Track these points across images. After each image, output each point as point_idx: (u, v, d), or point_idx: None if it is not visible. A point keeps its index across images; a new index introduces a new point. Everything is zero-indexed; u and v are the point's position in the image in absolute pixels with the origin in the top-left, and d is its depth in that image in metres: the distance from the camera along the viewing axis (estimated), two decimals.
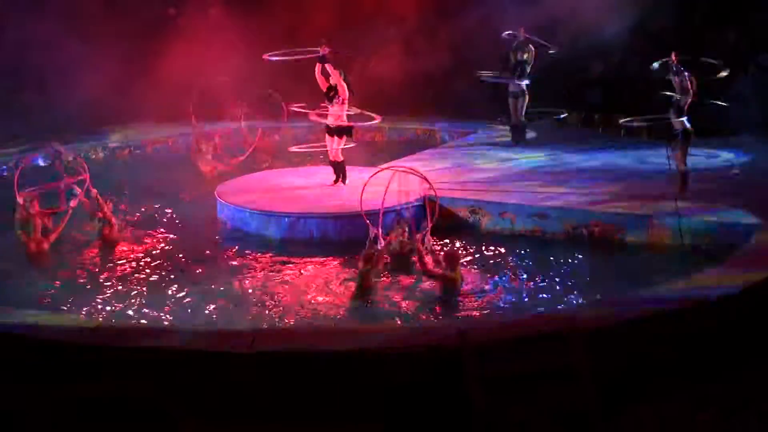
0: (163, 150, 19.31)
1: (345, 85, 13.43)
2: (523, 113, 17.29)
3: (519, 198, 12.69)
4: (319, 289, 10.41)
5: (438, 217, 11.68)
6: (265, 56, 13.61)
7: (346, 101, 13.49)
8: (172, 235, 12.54)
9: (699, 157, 14.61)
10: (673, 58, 13.37)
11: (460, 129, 19.87)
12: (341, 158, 13.90)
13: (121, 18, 19.67)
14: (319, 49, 13.40)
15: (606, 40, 17.15)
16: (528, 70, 17.09)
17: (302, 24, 19.60)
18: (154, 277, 10.79)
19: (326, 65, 13.36)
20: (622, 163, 15.44)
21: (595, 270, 10.78)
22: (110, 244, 11.89)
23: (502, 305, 9.87)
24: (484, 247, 11.71)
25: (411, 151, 17.41)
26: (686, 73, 13.18)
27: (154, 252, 11.82)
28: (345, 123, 13.65)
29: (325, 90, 13.58)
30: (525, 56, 17.02)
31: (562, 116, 17.78)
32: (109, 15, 19.54)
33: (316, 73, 13.46)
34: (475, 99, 19.04)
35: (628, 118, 14.88)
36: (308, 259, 11.42)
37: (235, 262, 11.35)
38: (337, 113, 13.51)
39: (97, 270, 11.11)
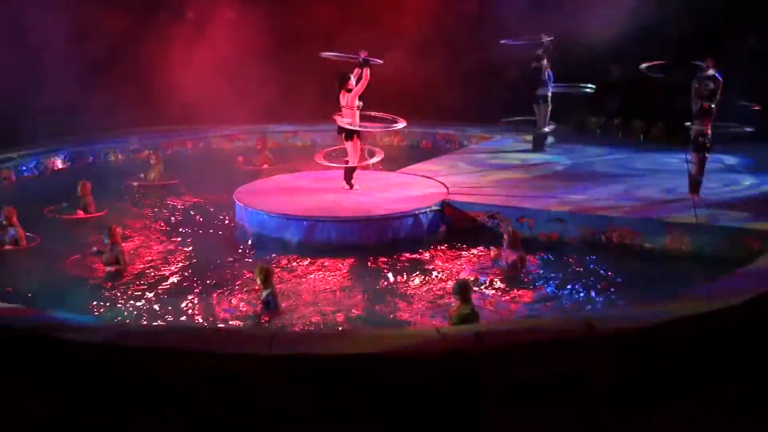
0: (182, 153, 19.56)
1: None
2: (546, 121, 17.35)
3: (537, 203, 12.76)
4: (337, 292, 10.52)
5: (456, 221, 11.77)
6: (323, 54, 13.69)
7: (344, 106, 13.64)
8: (191, 239, 12.69)
9: (715, 164, 14.64)
10: (709, 62, 13.12)
11: (479, 133, 19.98)
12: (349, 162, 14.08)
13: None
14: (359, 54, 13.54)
15: (624, 44, 17.14)
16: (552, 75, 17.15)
17: (315, 24, 19.88)
18: (174, 280, 10.92)
19: (365, 69, 13.48)
20: (642, 169, 15.48)
21: (612, 276, 10.82)
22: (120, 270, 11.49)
23: (519, 309, 9.93)
24: (497, 252, 11.75)
25: (430, 155, 17.52)
26: (720, 79, 13.00)
27: (173, 254, 11.96)
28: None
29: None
30: (547, 61, 17.04)
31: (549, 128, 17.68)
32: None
33: (359, 77, 13.56)
34: (494, 103, 19.08)
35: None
36: (326, 262, 11.53)
37: (253, 265, 11.44)
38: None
39: (113, 273, 11.24)
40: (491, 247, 11.46)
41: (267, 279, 9.84)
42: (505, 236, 11.20)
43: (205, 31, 19.38)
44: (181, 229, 13.28)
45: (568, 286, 10.51)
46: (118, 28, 19.11)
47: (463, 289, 8.97)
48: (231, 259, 11.76)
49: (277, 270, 11.07)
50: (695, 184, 12.92)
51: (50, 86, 17.86)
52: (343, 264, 11.51)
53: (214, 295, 10.34)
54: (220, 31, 19.31)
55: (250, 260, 11.67)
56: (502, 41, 16.93)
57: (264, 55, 19.67)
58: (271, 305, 9.72)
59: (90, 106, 18.34)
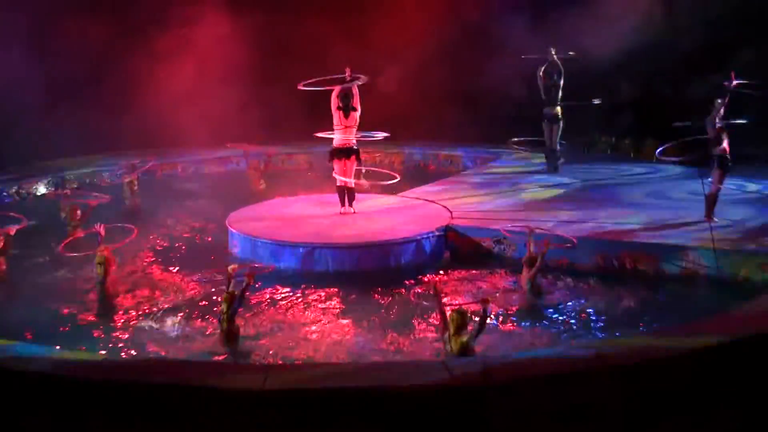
0: (173, 176, 19.59)
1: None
2: (558, 140, 17.35)
3: (545, 226, 12.71)
4: (336, 322, 10.44)
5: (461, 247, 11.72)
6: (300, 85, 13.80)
7: (336, 125, 13.71)
8: (181, 266, 12.62)
9: (736, 188, 14.62)
10: (732, 78, 13.04)
11: (483, 154, 19.98)
12: (337, 184, 14.09)
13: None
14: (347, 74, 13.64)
15: (635, 61, 17.21)
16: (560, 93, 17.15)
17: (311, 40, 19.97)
18: (164, 310, 10.84)
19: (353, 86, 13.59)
20: (656, 190, 15.45)
21: (625, 303, 10.75)
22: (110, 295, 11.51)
23: (527, 339, 9.85)
24: (509, 279, 11.72)
25: (431, 177, 17.51)
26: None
27: (162, 283, 11.90)
28: (335, 146, 13.89)
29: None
30: (556, 77, 17.03)
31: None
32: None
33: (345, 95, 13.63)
34: (499, 123, 19.11)
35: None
36: (325, 291, 11.46)
37: (246, 294, 11.35)
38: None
39: (98, 303, 11.20)
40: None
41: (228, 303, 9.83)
42: (528, 252, 11.15)
43: (188, 50, 19.47)
44: (167, 256, 13.27)
45: (579, 315, 10.44)
46: (95, 46, 19.22)
47: (460, 319, 8.92)
48: (218, 289, 11.71)
49: (272, 299, 11.00)
50: (712, 205, 12.86)
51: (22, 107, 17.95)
52: (341, 292, 11.42)
53: (196, 325, 10.29)
54: (205, 49, 19.42)
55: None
56: (523, 56, 16.96)
57: (253, 74, 19.80)
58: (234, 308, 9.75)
59: (66, 129, 18.39)
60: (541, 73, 17.00)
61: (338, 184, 14.05)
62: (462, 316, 8.92)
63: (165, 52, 19.07)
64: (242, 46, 19.55)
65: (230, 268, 10.44)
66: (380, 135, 14.01)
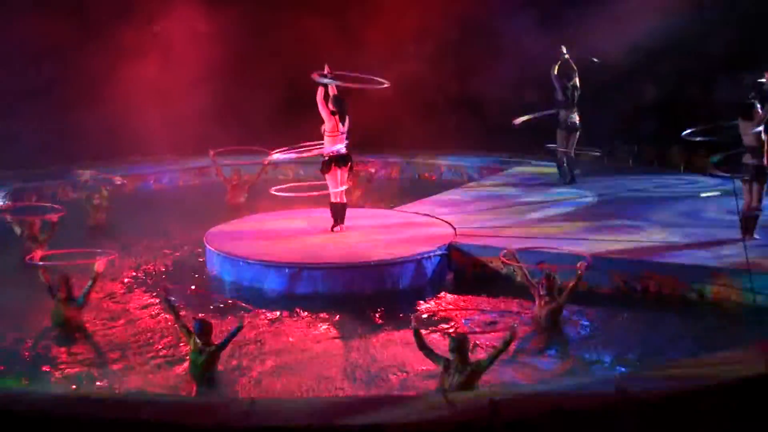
0: (146, 188, 19.64)
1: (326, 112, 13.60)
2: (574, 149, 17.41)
3: (560, 246, 12.72)
4: (328, 351, 10.45)
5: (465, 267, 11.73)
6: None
7: (331, 132, 13.68)
8: (151, 289, 12.62)
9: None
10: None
11: (490, 164, 20.04)
12: (332, 199, 14.07)
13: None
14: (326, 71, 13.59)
15: (660, 61, 17.32)
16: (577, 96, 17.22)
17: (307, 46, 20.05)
18: (134, 340, 10.82)
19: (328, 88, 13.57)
20: (682, 204, 15.50)
21: (648, 332, 10.76)
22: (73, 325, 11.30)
23: (540, 372, 9.87)
24: (519, 304, 11.73)
25: (432, 190, 17.55)
26: None
27: (132, 309, 11.89)
28: (328, 155, 13.83)
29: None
30: (575, 80, 17.09)
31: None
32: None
33: (318, 98, 13.60)
34: (507, 130, 19.16)
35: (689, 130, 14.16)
36: (313, 317, 11.47)
37: (227, 319, 11.37)
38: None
39: (58, 328, 11.17)
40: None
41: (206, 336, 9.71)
42: (542, 281, 11.12)
43: (158, 48, 19.58)
44: (136, 278, 13.29)
45: (597, 344, 10.45)
46: (59, 49, 19.31)
47: (460, 345, 8.93)
48: (197, 309, 11.73)
49: (255, 324, 11.01)
50: (750, 222, 12.83)
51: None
52: (331, 318, 11.43)
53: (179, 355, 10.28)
54: (177, 46, 19.52)
55: (220, 316, 11.59)
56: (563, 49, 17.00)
57: (231, 74, 19.90)
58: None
59: (29, 137, 18.46)
60: (555, 73, 17.06)
61: (334, 199, 14.03)
62: (462, 343, 8.94)
63: (131, 51, 19.18)
64: (218, 43, 19.66)
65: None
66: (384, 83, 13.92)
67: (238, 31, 20.56)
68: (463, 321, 11.28)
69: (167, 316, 10.89)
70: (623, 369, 9.80)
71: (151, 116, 19.11)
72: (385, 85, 13.65)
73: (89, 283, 11.28)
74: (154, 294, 12.24)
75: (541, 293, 10.98)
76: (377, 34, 19.86)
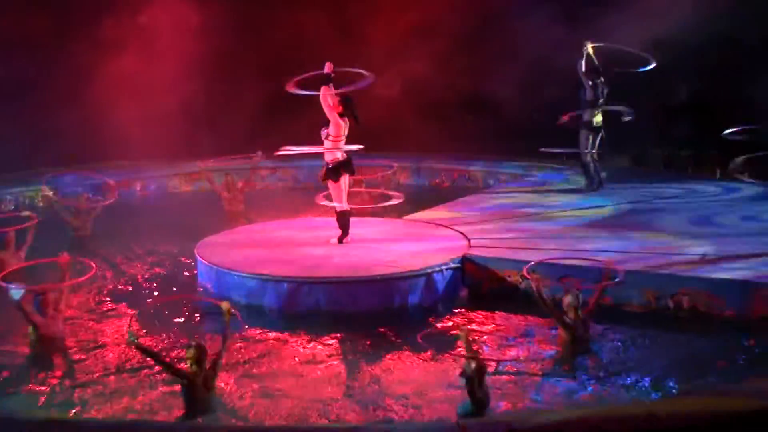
0: (131, 195, 19.67)
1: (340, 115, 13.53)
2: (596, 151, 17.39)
3: (584, 258, 12.67)
4: (329, 374, 10.43)
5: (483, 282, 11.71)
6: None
7: (338, 137, 13.63)
8: (136, 305, 12.59)
9: None
10: None
11: (508, 169, 20.03)
12: (342, 208, 13.99)
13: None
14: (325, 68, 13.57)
15: (693, 58, 17.30)
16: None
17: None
18: (116, 361, 10.81)
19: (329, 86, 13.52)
20: (718, 214, 15.47)
21: (682, 352, 10.72)
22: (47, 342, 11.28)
23: (563, 397, 9.84)
24: (540, 322, 11.71)
25: (443, 198, 17.55)
26: None
27: (114, 327, 11.88)
28: (335, 161, 13.77)
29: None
30: (599, 76, 17.09)
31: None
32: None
33: (321, 99, 13.56)
34: (526, 132, 19.17)
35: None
36: (314, 336, 11.45)
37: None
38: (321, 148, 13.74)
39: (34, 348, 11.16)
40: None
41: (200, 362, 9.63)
42: (565, 300, 11.10)
43: (144, 43, 19.64)
44: (120, 293, 13.28)
45: (627, 366, 10.41)
46: (33, 43, 19.39)
47: (474, 376, 8.89)
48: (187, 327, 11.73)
49: (250, 345, 10.99)
50: None
51: None
52: (334, 338, 11.41)
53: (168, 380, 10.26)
54: (166, 41, 19.58)
55: (213, 332, 11.55)
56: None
57: (220, 75, 19.97)
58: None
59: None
60: (583, 68, 17.05)
61: (345, 207, 13.97)
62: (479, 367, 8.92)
63: (112, 46, 19.23)
64: (206, 38, 19.71)
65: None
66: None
67: (227, 25, 20.66)
68: (484, 348, 11.24)
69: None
70: (655, 394, 9.78)
71: (134, 116, 19.11)
72: (368, 80, 13.54)
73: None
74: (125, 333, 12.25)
75: (564, 311, 10.97)
76: (380, 29, 19.91)
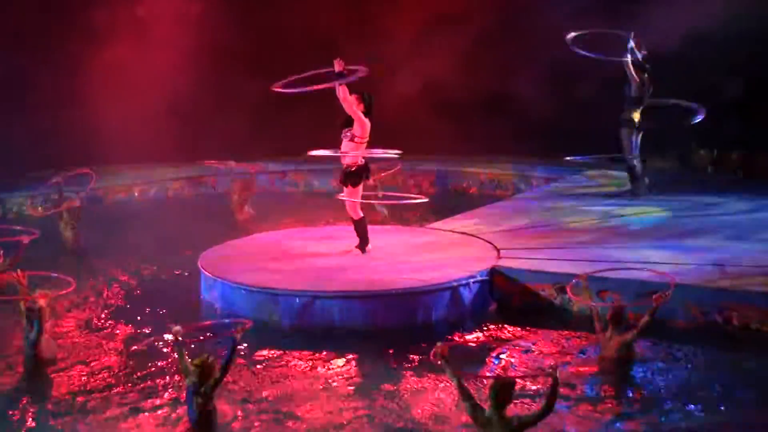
0: (127, 202, 19.75)
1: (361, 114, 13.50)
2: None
3: (623, 270, 12.66)
4: (344, 397, 10.42)
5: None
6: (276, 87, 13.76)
7: (364, 137, 13.60)
8: (136, 322, 12.67)
9: None
10: None
11: (541, 173, 20.01)
12: (359, 215, 14.03)
13: None
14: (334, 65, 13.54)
15: (743, 50, 17.23)
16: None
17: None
18: (116, 390, 10.82)
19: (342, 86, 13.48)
20: None
21: (732, 374, 10.68)
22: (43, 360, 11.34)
23: (602, 426, 9.82)
24: (578, 342, 11.70)
25: (470, 204, 17.53)
26: None
27: (110, 346, 11.93)
28: (355, 165, 13.76)
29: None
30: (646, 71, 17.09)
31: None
32: None
33: (339, 98, 13.55)
34: (562, 131, 19.14)
35: None
36: (328, 355, 11.47)
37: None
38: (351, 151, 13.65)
39: (26, 372, 11.19)
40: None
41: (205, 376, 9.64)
42: (610, 312, 11.05)
43: (140, 34, 19.73)
44: (118, 309, 13.32)
45: (672, 389, 10.38)
46: (20, 36, 19.52)
47: (500, 394, 8.80)
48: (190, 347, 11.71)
49: (257, 367, 11.01)
50: None
51: None
52: (351, 358, 11.41)
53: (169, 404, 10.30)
54: (163, 32, 19.67)
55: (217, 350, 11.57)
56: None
57: (231, 66, 20.01)
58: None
59: None
60: (630, 63, 17.02)
61: (360, 215, 14.00)
62: (505, 389, 8.87)
63: (104, 38, 19.31)
64: (209, 30, 19.79)
65: (175, 329, 9.87)
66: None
67: (227, 16, 20.71)
68: (510, 365, 11.23)
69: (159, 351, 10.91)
70: (701, 420, 9.75)
71: (128, 115, 19.20)
72: (359, 74, 13.49)
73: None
74: (145, 334, 12.28)
75: (607, 328, 10.93)
76: (397, 22, 19.95)
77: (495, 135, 20.40)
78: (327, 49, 14.28)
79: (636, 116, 17.16)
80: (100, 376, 11.07)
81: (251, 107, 20.12)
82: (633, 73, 16.96)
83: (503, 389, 8.74)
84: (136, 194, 20.28)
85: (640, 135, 17.24)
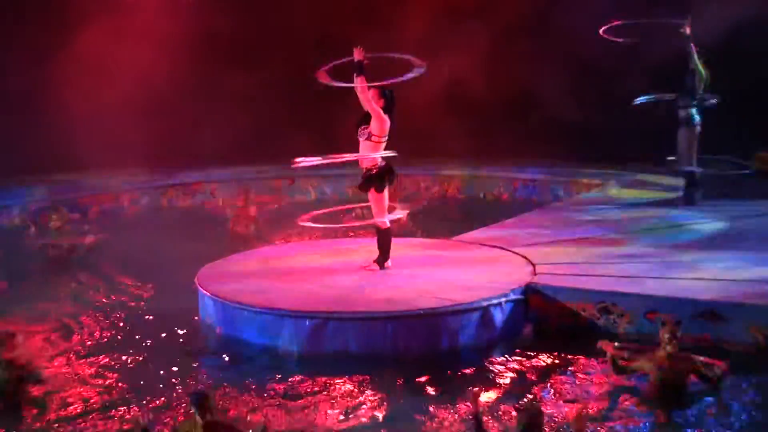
0: (117, 211, 19.83)
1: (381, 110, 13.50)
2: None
3: (676, 288, 12.65)
4: None
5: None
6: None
7: (384, 136, 13.60)
8: (127, 353, 12.64)
9: None
10: None
11: (581, 178, 20.00)
12: (386, 224, 14.02)
13: None
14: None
15: None
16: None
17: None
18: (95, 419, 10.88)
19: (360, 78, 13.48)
20: None
21: None
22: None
23: None
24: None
25: (502, 213, 17.53)
26: None
27: (102, 381, 11.92)
28: (376, 167, 13.76)
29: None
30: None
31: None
32: None
33: (357, 91, 13.56)
34: (604, 133, 19.15)
35: None
36: (342, 385, 11.45)
37: (227, 391, 11.33)
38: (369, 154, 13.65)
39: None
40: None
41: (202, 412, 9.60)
42: (663, 336, 10.97)
43: (124, 21, 19.83)
44: (103, 335, 13.33)
45: (734, 427, 10.36)
46: None
47: (531, 424, 8.82)
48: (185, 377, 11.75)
49: (263, 398, 11.01)
50: None
51: None
52: (367, 387, 11.39)
53: None
54: (151, 21, 19.76)
55: (221, 382, 11.59)
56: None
57: (219, 61, 20.10)
58: None
59: None
60: (694, 52, 17.05)
61: (385, 225, 14.01)
62: (535, 417, 8.88)
63: (79, 26, 19.39)
64: (203, 16, 19.86)
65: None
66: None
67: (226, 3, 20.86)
68: (543, 392, 11.21)
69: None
70: None
71: (122, 116, 19.29)
72: (420, 70, 13.49)
73: None
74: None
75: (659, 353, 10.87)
76: (414, 14, 20.03)
77: (523, 136, 20.44)
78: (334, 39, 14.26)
79: (696, 114, 17.15)
80: (73, 407, 11.07)
81: (250, 104, 20.19)
82: (698, 63, 16.98)
83: (535, 418, 8.79)
84: (126, 203, 20.31)
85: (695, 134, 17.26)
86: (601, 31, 16.72)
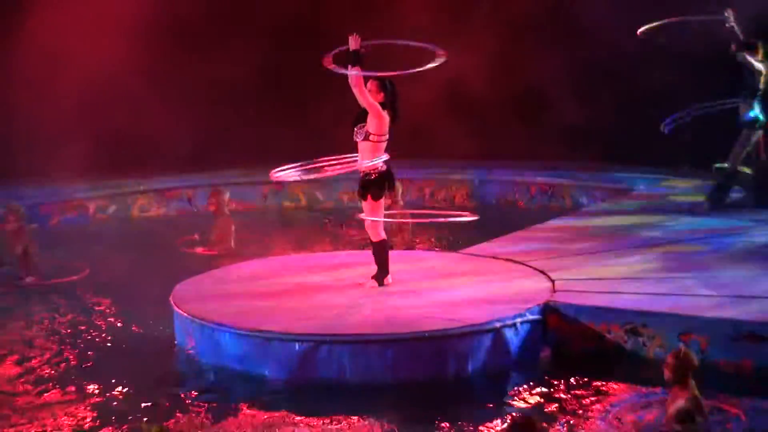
0: (80, 220, 19.83)
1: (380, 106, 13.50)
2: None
3: (711, 306, 12.67)
4: None
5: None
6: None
7: (383, 135, 13.59)
8: (90, 377, 12.64)
9: None
10: None
11: (607, 183, 20.03)
12: (380, 236, 14.02)
13: None
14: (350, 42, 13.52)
15: None
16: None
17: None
18: None
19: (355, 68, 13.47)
20: None
21: None
22: None
23: None
24: (657, 394, 11.63)
25: (519, 221, 17.54)
26: None
27: (72, 412, 11.93)
28: (375, 171, 13.73)
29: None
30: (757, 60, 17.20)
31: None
32: None
33: (351, 84, 13.55)
34: (636, 133, 19.19)
35: None
36: (336, 418, 11.42)
37: (205, 422, 11.33)
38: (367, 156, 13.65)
39: None
40: None
41: None
42: (669, 361, 10.97)
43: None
44: (62, 361, 13.31)
45: None
46: None
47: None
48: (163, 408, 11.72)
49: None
50: None
51: None
52: (365, 420, 11.35)
53: None
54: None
55: (198, 414, 11.57)
56: None
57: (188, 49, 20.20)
58: None
59: None
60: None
61: (382, 236, 14.02)
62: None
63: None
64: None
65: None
66: None
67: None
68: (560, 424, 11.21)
69: None
70: None
71: (90, 114, 19.33)
72: (441, 60, 13.49)
73: None
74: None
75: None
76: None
77: (537, 137, 20.50)
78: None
79: (761, 114, 17.23)
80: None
81: (232, 100, 20.24)
82: (754, 60, 17.05)
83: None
84: (91, 211, 20.30)
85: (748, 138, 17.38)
86: (639, 31, 16.84)
